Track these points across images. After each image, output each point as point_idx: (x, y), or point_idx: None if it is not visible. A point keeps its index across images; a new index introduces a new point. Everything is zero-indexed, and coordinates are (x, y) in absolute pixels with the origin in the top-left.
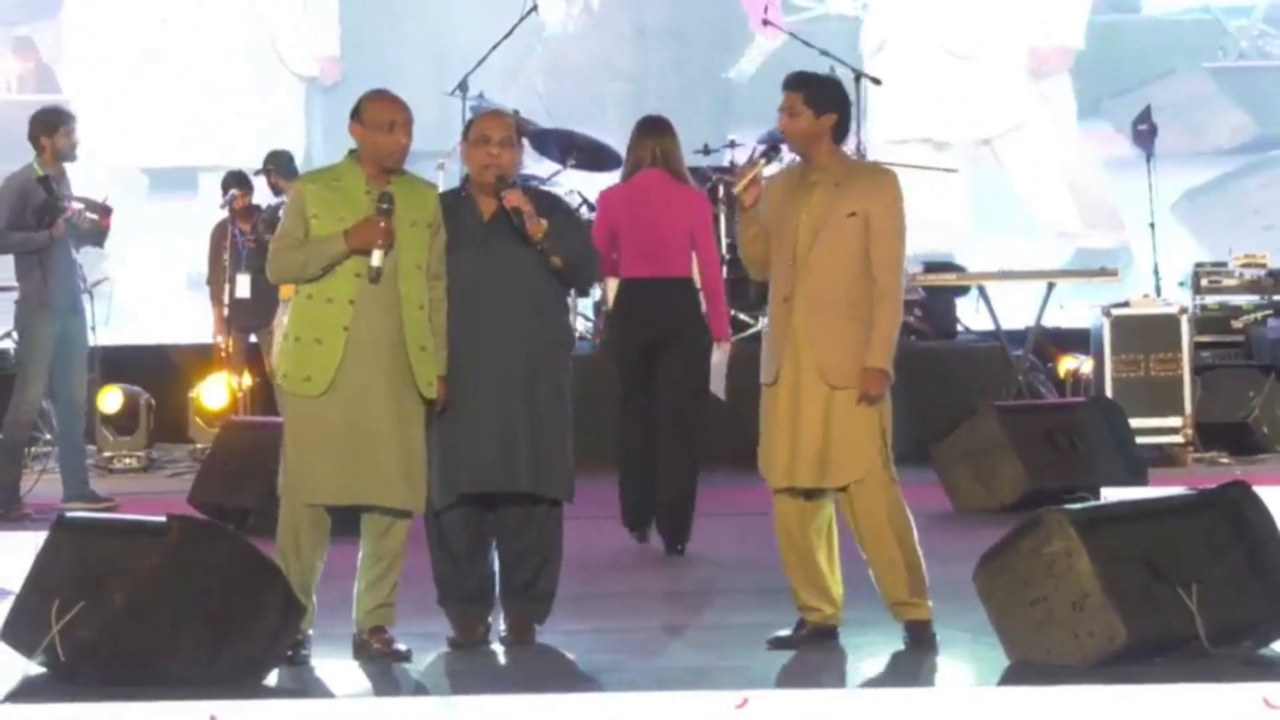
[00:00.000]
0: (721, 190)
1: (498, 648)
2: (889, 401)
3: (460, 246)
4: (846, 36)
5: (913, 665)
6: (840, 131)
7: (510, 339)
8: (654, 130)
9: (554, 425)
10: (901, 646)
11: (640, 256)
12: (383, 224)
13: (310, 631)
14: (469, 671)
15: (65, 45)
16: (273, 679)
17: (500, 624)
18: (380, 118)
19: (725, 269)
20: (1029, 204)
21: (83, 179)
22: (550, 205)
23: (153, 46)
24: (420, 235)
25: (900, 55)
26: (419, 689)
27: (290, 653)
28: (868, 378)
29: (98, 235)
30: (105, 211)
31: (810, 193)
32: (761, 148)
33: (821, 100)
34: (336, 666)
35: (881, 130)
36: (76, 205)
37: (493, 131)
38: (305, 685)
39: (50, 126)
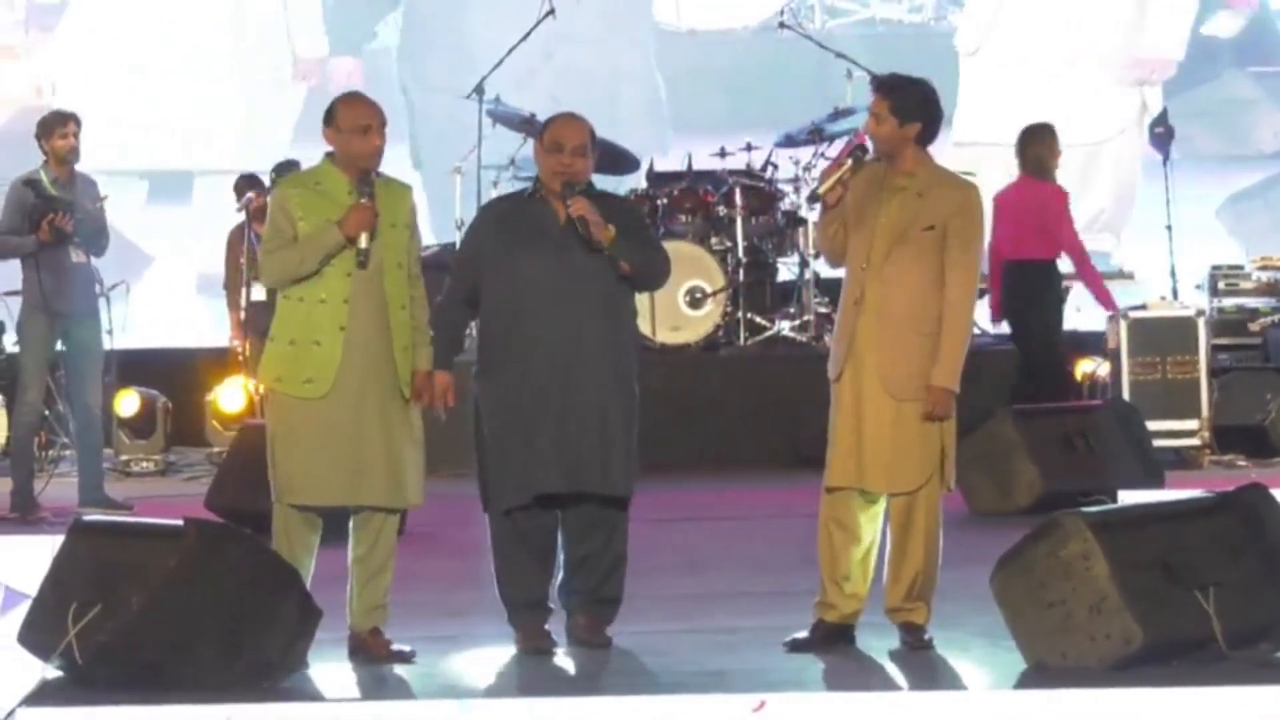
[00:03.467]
0: (739, 194)
1: (509, 651)
2: (953, 414)
3: (538, 247)
4: (891, 41)
5: (929, 668)
6: (926, 138)
7: (591, 341)
8: (1023, 138)
9: (632, 429)
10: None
11: (1011, 242)
12: (371, 206)
13: None
14: (482, 675)
15: (62, 53)
16: (287, 682)
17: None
18: (355, 122)
19: (743, 272)
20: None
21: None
22: (616, 209)
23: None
24: (400, 235)
25: (995, 59)
26: (433, 692)
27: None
28: (934, 397)
29: (93, 239)
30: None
31: (891, 198)
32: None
33: (907, 108)
34: (348, 669)
35: (965, 131)
36: (69, 209)
37: (566, 139)
38: (319, 688)
39: (47, 130)
